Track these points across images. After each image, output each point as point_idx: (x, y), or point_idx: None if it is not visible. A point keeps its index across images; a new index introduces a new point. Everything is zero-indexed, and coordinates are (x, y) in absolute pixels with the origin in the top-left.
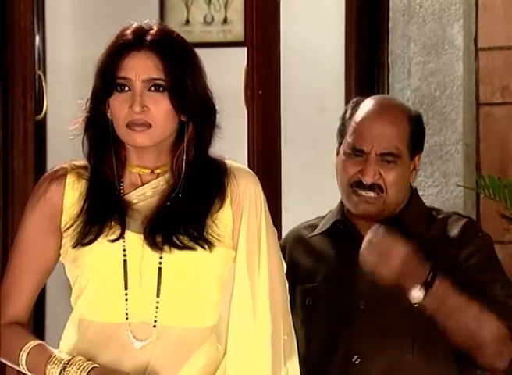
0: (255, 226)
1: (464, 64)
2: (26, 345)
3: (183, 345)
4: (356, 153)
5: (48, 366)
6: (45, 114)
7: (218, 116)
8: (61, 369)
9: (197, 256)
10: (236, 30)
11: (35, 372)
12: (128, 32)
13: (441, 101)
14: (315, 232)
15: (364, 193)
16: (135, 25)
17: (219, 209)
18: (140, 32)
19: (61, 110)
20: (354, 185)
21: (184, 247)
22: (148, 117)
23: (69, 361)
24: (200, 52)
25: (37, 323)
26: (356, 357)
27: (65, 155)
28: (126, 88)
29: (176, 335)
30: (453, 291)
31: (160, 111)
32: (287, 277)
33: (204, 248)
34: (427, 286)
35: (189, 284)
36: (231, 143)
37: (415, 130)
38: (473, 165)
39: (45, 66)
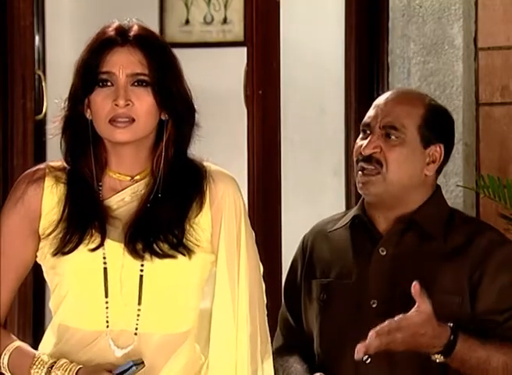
0: (234, 231)
1: (464, 64)
2: (8, 347)
3: (162, 349)
4: (365, 129)
5: (32, 370)
6: (45, 114)
7: (197, 115)
8: (45, 373)
9: (177, 264)
10: (236, 29)
11: (18, 374)
12: (109, 29)
13: (441, 101)
14: (336, 226)
15: (364, 166)
16: (115, 23)
17: (198, 214)
18: (122, 29)
19: (60, 105)
20: (358, 160)
21: (164, 255)
22: (132, 112)
23: (53, 364)
24: (199, 52)
25: (37, 323)
26: (367, 357)
27: None
28: (109, 83)
29: (156, 341)
30: (475, 347)
31: (143, 106)
32: (306, 271)
33: (183, 255)
34: (449, 349)
35: (169, 292)
36: (231, 143)
37: (432, 118)
38: (473, 165)
39: (45, 66)
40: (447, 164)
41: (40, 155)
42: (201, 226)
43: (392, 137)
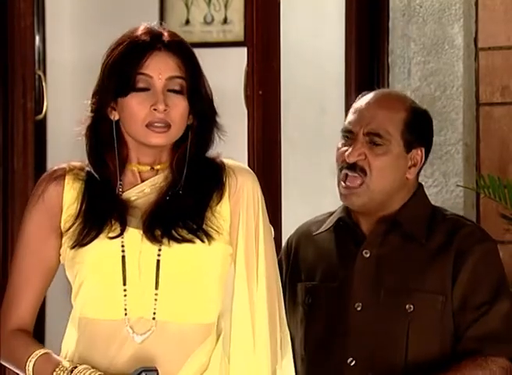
0: (253, 224)
1: (464, 64)
2: (33, 354)
3: (182, 341)
4: (347, 134)
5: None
6: (45, 114)
7: (218, 117)
8: None
9: (195, 249)
10: (236, 30)
11: None
12: (142, 33)
13: (441, 101)
14: (321, 229)
15: (348, 173)
16: (145, 26)
17: (218, 203)
18: (155, 33)
19: (61, 110)
20: (341, 167)
21: (183, 240)
22: (169, 117)
23: (73, 369)
24: (200, 52)
25: (37, 324)
26: (351, 359)
27: (65, 155)
28: (146, 88)
29: (174, 330)
30: None
31: (178, 112)
32: (291, 274)
33: (202, 241)
34: None
35: (188, 278)
36: (231, 143)
37: (414, 121)
38: (473, 165)
39: (45, 66)
40: (447, 164)
41: (41, 155)
42: (222, 214)
43: (377, 144)
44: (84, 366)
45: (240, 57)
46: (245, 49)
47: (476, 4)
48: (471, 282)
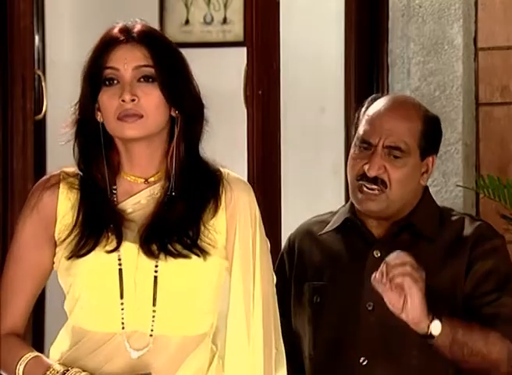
0: (249, 238)
1: (464, 64)
2: (24, 357)
3: (178, 352)
4: (364, 145)
5: None
6: (45, 114)
7: (206, 110)
8: None
9: (191, 264)
10: (236, 30)
11: None
12: (113, 30)
13: (440, 101)
14: (326, 229)
15: (367, 185)
16: (119, 24)
17: (213, 216)
18: (126, 28)
19: (61, 110)
20: (360, 179)
21: (179, 255)
22: (139, 107)
23: (65, 372)
24: (199, 52)
25: (36, 324)
26: (363, 359)
27: (65, 156)
28: (115, 81)
29: (172, 344)
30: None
31: (151, 101)
32: (296, 273)
33: (198, 256)
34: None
35: (184, 293)
36: (231, 143)
37: (429, 130)
38: (472, 165)
39: (45, 66)
40: (447, 164)
41: (40, 155)
42: (216, 228)
43: (397, 157)
44: (76, 369)
45: (239, 57)
46: (245, 49)
47: (476, 4)
48: (483, 275)
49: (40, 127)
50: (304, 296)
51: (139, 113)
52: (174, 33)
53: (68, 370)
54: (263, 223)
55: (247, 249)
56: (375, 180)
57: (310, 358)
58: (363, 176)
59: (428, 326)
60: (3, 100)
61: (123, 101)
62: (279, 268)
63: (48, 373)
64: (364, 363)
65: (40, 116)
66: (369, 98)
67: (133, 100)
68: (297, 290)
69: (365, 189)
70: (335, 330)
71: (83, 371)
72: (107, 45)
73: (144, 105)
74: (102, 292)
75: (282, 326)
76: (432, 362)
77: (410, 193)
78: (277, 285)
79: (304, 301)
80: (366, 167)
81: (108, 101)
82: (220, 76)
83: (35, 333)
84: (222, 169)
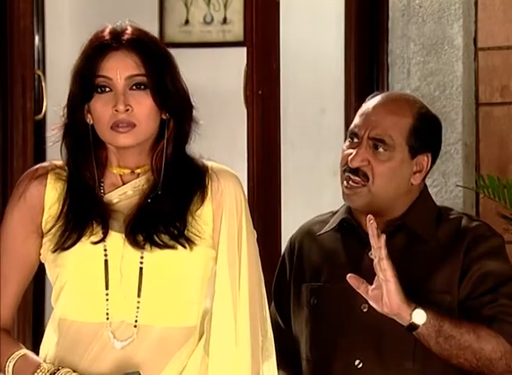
0: (235, 227)
1: (464, 64)
2: (14, 354)
3: (163, 345)
4: (352, 136)
5: None
6: (45, 114)
7: (194, 111)
8: None
9: (177, 255)
10: (236, 30)
11: None
12: (103, 34)
13: (440, 101)
14: (325, 229)
15: (351, 177)
16: (108, 27)
17: (200, 206)
18: (116, 33)
19: (60, 110)
20: (345, 170)
21: (165, 245)
22: (132, 117)
23: (55, 371)
24: (199, 52)
25: (37, 323)
26: (358, 361)
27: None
28: (107, 89)
29: (156, 334)
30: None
31: (143, 110)
32: (295, 274)
33: (184, 247)
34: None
35: (170, 283)
36: (231, 143)
37: (421, 128)
38: (472, 165)
39: (45, 66)
40: (447, 164)
41: (40, 155)
42: (203, 218)
43: (381, 150)
44: (66, 369)
45: (239, 57)
46: (244, 49)
47: (475, 4)
48: (481, 276)
49: (40, 127)
50: (302, 297)
51: (132, 123)
52: (174, 33)
53: (58, 370)
54: (263, 223)
55: (233, 237)
56: (356, 171)
57: (307, 360)
58: (347, 167)
59: (410, 315)
60: (3, 100)
61: (117, 110)
62: (281, 270)
63: (38, 371)
64: (360, 366)
65: (40, 116)
66: (369, 96)
67: (127, 110)
68: (296, 291)
69: (350, 182)
70: (330, 332)
71: (74, 372)
72: (97, 52)
73: (136, 115)
74: (87, 282)
75: (277, 325)
76: (427, 365)
77: (396, 189)
78: (276, 284)
79: (302, 303)
80: (349, 158)
81: (101, 110)
82: (220, 76)
83: (35, 334)
84: (207, 162)
